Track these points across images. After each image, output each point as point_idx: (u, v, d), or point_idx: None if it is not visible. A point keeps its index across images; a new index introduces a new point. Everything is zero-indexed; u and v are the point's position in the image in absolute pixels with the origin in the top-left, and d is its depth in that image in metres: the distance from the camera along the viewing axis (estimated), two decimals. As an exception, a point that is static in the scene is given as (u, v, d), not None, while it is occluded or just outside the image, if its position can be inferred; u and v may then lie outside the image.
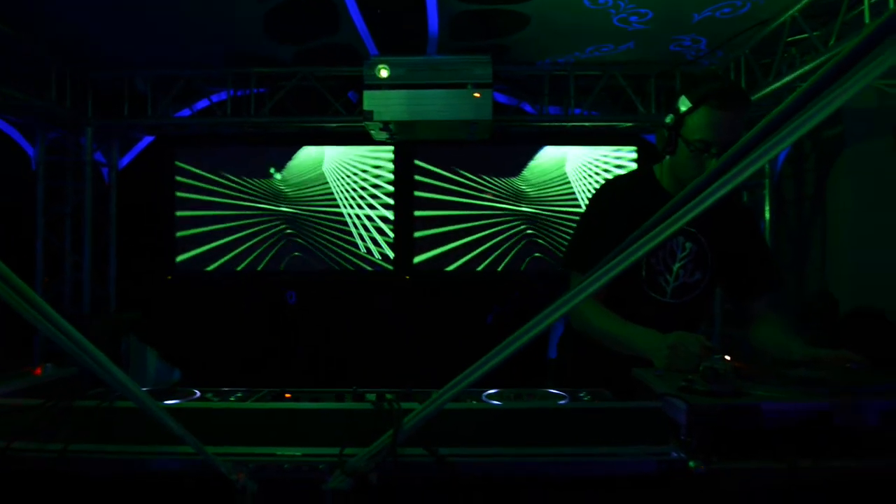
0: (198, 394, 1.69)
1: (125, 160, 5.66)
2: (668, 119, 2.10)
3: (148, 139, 5.69)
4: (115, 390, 1.20)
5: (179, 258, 5.56)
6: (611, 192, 2.26)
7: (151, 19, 4.10)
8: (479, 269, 5.50)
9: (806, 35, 3.77)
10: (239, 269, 5.56)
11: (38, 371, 1.72)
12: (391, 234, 5.53)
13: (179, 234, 5.55)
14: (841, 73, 1.02)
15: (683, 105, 2.04)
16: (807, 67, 3.73)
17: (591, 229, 2.22)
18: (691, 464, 1.25)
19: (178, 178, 5.57)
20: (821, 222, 4.61)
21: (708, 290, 2.20)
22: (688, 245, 2.15)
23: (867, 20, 3.26)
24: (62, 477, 1.32)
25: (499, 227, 5.51)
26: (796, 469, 1.27)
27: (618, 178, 2.34)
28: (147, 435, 1.30)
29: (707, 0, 3.75)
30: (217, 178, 5.57)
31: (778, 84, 4.06)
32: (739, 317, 2.28)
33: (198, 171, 5.57)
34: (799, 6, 3.75)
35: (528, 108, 5.28)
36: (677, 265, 2.15)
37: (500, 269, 5.48)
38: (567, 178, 5.49)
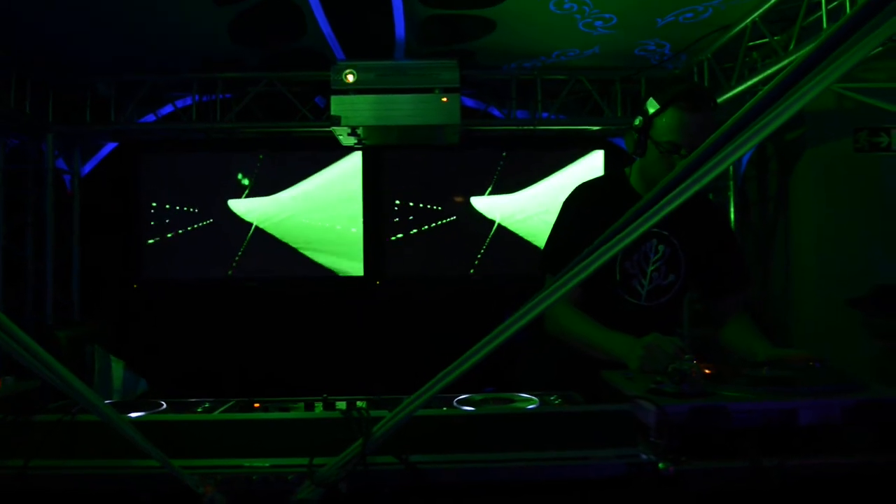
0: (164, 405, 1.66)
1: (88, 167, 5.55)
2: (637, 121, 2.12)
3: (111, 145, 5.59)
4: (77, 403, 1.17)
5: (144, 266, 5.47)
6: (583, 195, 2.27)
7: (114, 24, 4.03)
8: (452, 274, 5.50)
9: (766, 40, 3.84)
10: (206, 276, 5.49)
11: (-2, 385, 1.68)
12: (361, 240, 5.50)
13: (145, 241, 5.46)
14: (801, 76, 1.04)
15: (652, 107, 2.07)
16: (768, 71, 3.81)
17: (563, 233, 2.24)
18: (661, 465, 1.27)
19: (143, 185, 5.48)
20: (784, 222, 4.69)
21: (681, 291, 2.23)
22: (661, 248, 2.18)
23: (825, 25, 3.33)
24: (23, 494, 1.28)
25: (470, 232, 5.51)
26: (763, 468, 1.29)
27: (589, 181, 2.35)
28: (111, 449, 1.28)
29: (670, 5, 3.80)
30: (183, 185, 5.49)
31: (740, 88, 4.13)
32: (712, 317, 2.31)
33: (163, 177, 5.49)
34: (759, 11, 3.82)
35: (495, 112, 5.30)
36: (651, 268, 2.17)
37: (472, 273, 5.49)
38: (541, 182, 5.51)
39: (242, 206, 5.50)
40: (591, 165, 5.46)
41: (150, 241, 5.46)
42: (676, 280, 2.19)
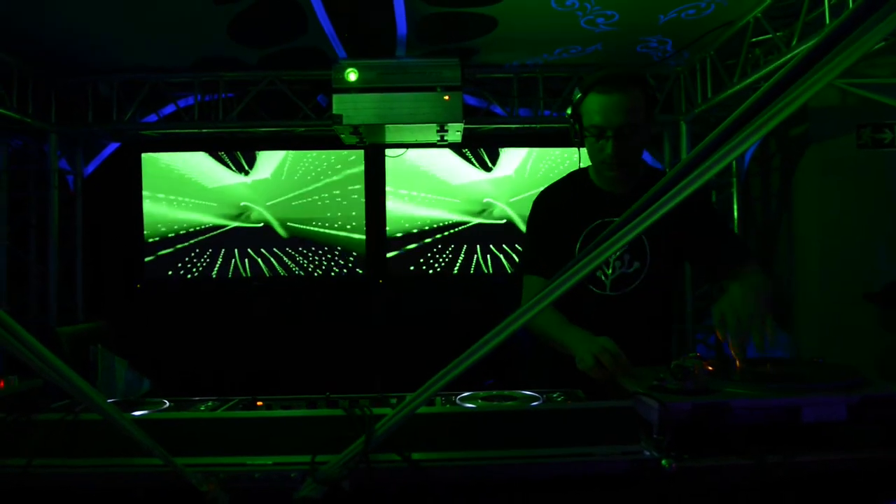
0: (167, 404, 1.66)
1: (90, 167, 5.56)
2: (568, 111, 2.19)
3: (113, 146, 5.60)
4: (80, 402, 1.17)
5: (148, 266, 5.47)
6: (548, 197, 2.33)
7: (114, 24, 4.03)
8: (454, 272, 5.49)
9: (769, 35, 3.83)
10: (209, 276, 5.49)
11: (1, 384, 1.68)
12: (364, 239, 5.50)
13: (147, 241, 5.47)
14: (804, 72, 1.04)
15: (576, 96, 2.13)
16: (770, 67, 3.79)
17: (534, 235, 2.30)
18: (663, 462, 1.26)
19: (145, 185, 5.48)
20: (787, 219, 4.68)
21: (652, 280, 2.20)
22: None
23: (827, 21, 3.32)
24: (26, 493, 1.28)
25: (473, 230, 5.51)
26: (767, 465, 1.28)
27: (551, 184, 2.39)
28: (114, 447, 1.28)
29: (672, 1, 3.79)
30: (185, 184, 5.50)
31: (743, 84, 4.12)
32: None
33: (165, 177, 5.49)
34: (762, 7, 3.80)
35: (497, 110, 5.29)
36: (613, 256, 2.17)
37: (475, 271, 5.48)
38: (541, 179, 5.50)
39: (245, 205, 5.50)
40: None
41: (153, 241, 5.47)
42: (643, 268, 2.18)
